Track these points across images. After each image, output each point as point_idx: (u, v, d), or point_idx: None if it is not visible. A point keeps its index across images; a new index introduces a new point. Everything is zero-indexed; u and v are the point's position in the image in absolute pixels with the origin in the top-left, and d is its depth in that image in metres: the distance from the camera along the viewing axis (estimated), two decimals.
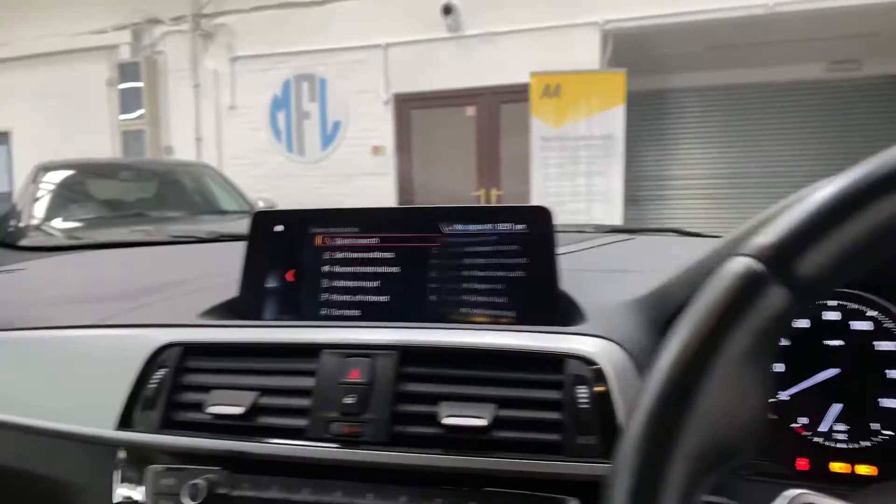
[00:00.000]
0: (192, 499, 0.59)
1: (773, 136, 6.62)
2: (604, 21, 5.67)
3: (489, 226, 0.69)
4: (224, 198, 4.73)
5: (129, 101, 6.84)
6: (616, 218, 5.45)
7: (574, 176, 5.59)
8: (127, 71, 6.80)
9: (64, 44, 6.92)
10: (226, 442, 0.60)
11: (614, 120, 5.50)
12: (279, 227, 0.75)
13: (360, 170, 6.41)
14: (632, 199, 6.13)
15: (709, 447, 0.31)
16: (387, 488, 0.57)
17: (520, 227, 0.68)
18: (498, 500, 0.55)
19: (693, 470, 0.31)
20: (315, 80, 6.50)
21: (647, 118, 6.75)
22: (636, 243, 0.93)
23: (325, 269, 0.72)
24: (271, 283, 0.73)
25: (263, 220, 0.76)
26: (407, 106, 6.34)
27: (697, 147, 6.95)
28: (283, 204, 5.01)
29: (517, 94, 5.74)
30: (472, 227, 0.70)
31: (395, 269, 0.71)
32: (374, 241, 0.72)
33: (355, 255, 0.72)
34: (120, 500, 0.64)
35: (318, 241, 0.74)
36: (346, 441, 0.58)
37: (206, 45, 6.71)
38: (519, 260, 0.67)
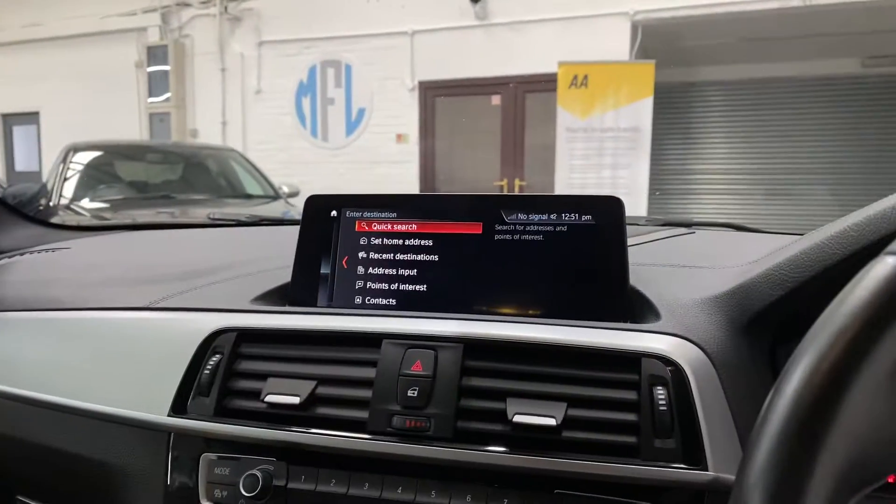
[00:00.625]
0: (248, 490, 0.57)
1: (803, 133, 6.48)
2: (634, 11, 5.58)
3: (554, 215, 0.66)
4: (249, 182, 4.74)
5: (156, 83, 6.88)
6: (641, 212, 5.38)
7: (600, 168, 5.53)
8: (155, 53, 6.84)
9: (94, 26, 6.97)
10: (283, 432, 0.59)
11: (642, 112, 5.42)
12: (334, 213, 0.73)
13: (383, 157, 6.39)
14: (656, 192, 6.05)
15: (856, 464, 0.28)
16: (452, 486, 0.55)
17: (587, 217, 0.66)
18: None
19: (838, 488, 0.28)
20: (341, 67, 6.48)
21: (674, 111, 6.65)
22: (697, 238, 0.90)
23: (382, 256, 0.70)
24: (325, 270, 0.71)
25: (317, 204, 0.74)
26: (432, 94, 6.30)
27: (724, 141, 6.84)
28: (306, 190, 5.01)
29: (543, 83, 5.68)
30: (536, 217, 0.67)
31: (454, 259, 0.68)
32: (432, 228, 0.70)
33: (412, 242, 0.70)
34: (172, 486, 0.63)
35: (374, 227, 0.71)
36: (409, 436, 0.56)
37: (234, 29, 6.72)
38: (587, 252, 0.64)
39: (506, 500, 0.54)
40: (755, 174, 6.69)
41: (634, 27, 5.66)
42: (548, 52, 5.58)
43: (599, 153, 5.50)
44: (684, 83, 6.65)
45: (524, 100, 6.09)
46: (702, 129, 6.89)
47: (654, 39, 5.73)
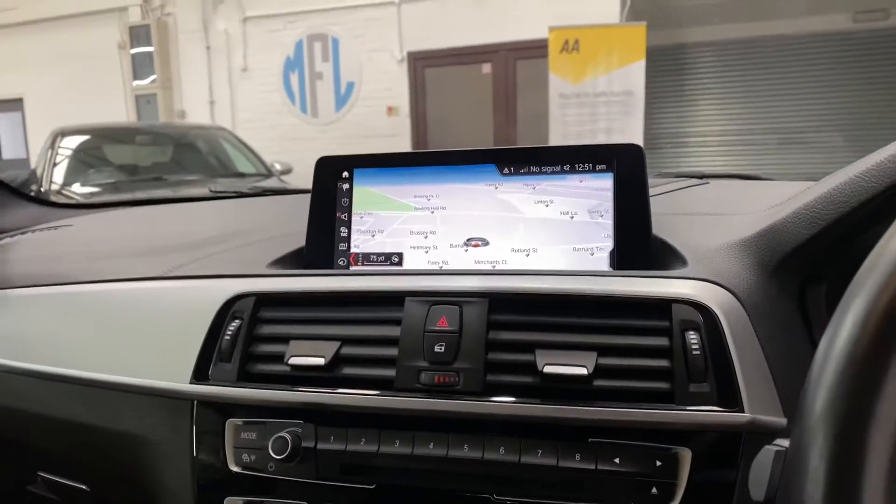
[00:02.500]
0: (278, 453, 0.57)
1: (796, 91, 6.45)
2: None
3: (572, 166, 0.65)
4: (241, 160, 4.69)
5: (141, 64, 6.76)
6: None
7: (594, 133, 5.49)
8: (138, 34, 6.71)
9: (73, 6, 6.82)
10: (309, 394, 0.58)
11: (634, 75, 5.37)
12: (345, 174, 0.72)
13: (374, 131, 6.33)
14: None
15: None
16: (484, 439, 0.54)
17: (606, 167, 0.64)
18: (606, 452, 0.52)
19: None
20: (328, 40, 6.39)
21: (666, 74, 6.59)
22: (712, 188, 0.89)
23: (394, 215, 0.69)
24: (340, 231, 0.70)
25: (328, 166, 0.72)
26: (421, 64, 6.22)
27: (716, 102, 6.79)
28: (298, 167, 4.97)
29: (534, 49, 5.61)
30: (555, 167, 0.66)
31: (469, 215, 0.67)
32: (443, 185, 0.69)
33: (427, 199, 0.69)
34: (199, 454, 0.62)
35: (388, 185, 0.70)
36: (438, 391, 0.55)
37: (217, 5, 6.59)
38: (608, 202, 0.63)
39: (539, 451, 0.53)
40: (748, 134, 6.66)
41: None
42: (538, 18, 5.51)
43: (593, 118, 5.46)
44: (675, 45, 6.59)
45: (515, 67, 6.02)
46: (694, 90, 6.84)
47: (644, 1, 5.65)
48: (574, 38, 5.38)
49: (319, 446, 0.58)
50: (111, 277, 0.72)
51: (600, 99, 5.45)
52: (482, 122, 6.16)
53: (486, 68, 6.12)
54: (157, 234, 0.89)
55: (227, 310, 0.63)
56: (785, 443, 0.37)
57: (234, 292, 0.64)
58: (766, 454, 0.37)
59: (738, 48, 6.57)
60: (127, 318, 0.68)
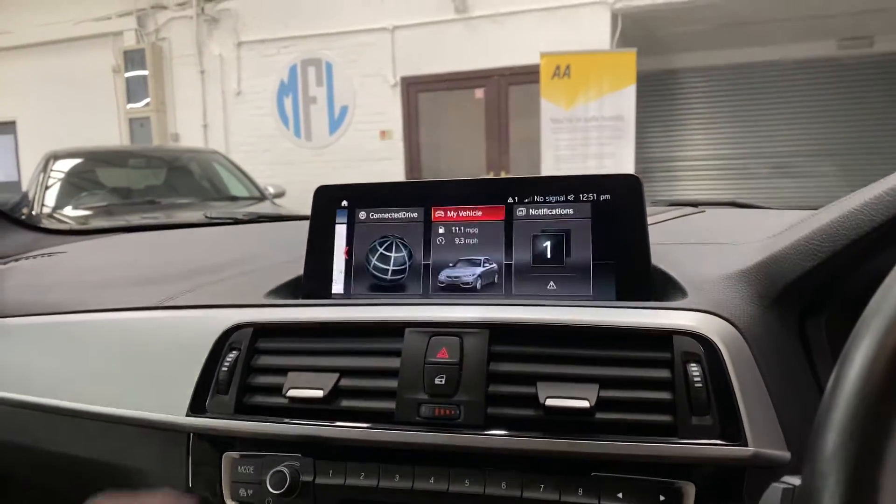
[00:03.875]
0: (276, 487, 0.56)
1: (783, 116, 6.54)
2: (614, 0, 5.59)
3: (572, 196, 0.65)
4: (234, 184, 4.69)
5: (135, 88, 6.79)
6: None
7: (585, 158, 5.53)
8: (132, 58, 6.74)
9: (68, 31, 6.86)
10: (307, 427, 0.57)
11: (625, 100, 5.43)
12: (344, 203, 0.71)
13: (368, 155, 6.35)
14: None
15: None
16: (485, 474, 0.54)
17: (605, 196, 0.65)
18: (608, 486, 0.51)
19: None
20: (322, 65, 6.44)
21: (655, 99, 6.68)
22: (708, 216, 0.89)
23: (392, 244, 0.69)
24: (339, 261, 0.70)
25: (327, 195, 0.72)
26: (415, 89, 6.27)
27: (706, 127, 6.88)
28: (292, 190, 4.98)
29: (526, 75, 5.68)
30: (554, 198, 0.66)
31: (469, 244, 0.67)
32: (442, 215, 0.69)
33: (429, 230, 0.69)
34: (195, 487, 0.61)
35: (388, 216, 0.70)
36: (439, 424, 0.54)
37: (212, 30, 6.64)
38: (607, 232, 0.63)
39: (542, 486, 0.52)
40: (737, 159, 6.74)
41: (614, 16, 5.67)
42: (529, 44, 5.57)
43: (584, 143, 5.51)
44: (665, 71, 6.68)
45: (508, 92, 6.08)
46: (684, 115, 6.93)
47: (634, 28, 5.74)
48: (565, 63, 5.44)
49: (318, 481, 0.57)
50: (105, 307, 0.71)
51: (591, 124, 5.50)
52: (475, 146, 6.20)
53: (479, 93, 6.17)
54: (153, 263, 0.89)
55: (225, 340, 0.63)
56: (793, 480, 0.37)
57: (232, 323, 0.63)
58: (774, 492, 0.37)
59: (727, 74, 6.67)
60: (121, 348, 0.67)
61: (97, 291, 0.77)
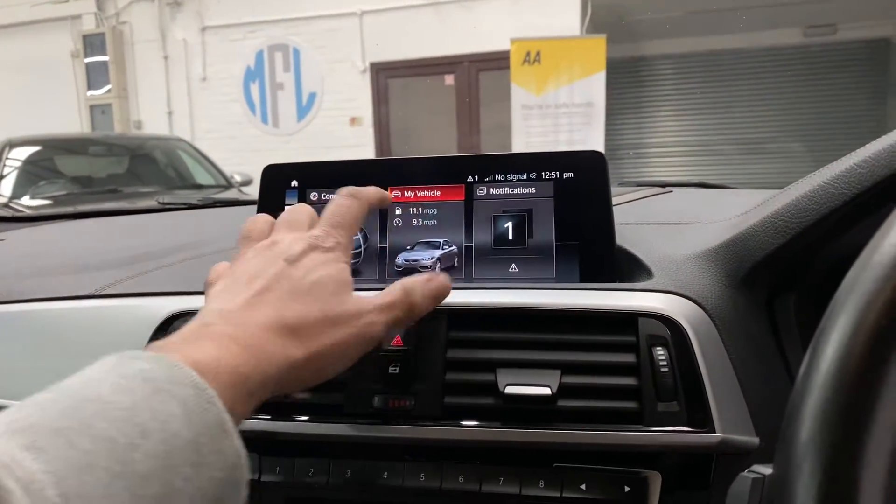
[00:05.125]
0: None
1: (750, 103, 6.61)
2: None
3: (534, 174, 0.62)
4: (199, 172, 4.59)
5: (95, 74, 6.59)
6: None
7: (556, 144, 5.54)
8: (92, 42, 6.54)
9: (24, 14, 6.62)
10: (250, 421, 0.53)
11: (595, 87, 5.44)
12: (294, 182, 0.67)
13: (337, 141, 6.28)
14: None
15: None
16: (441, 467, 0.51)
17: (568, 174, 0.62)
18: (571, 477, 0.49)
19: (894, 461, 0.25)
20: (289, 50, 6.32)
21: (625, 86, 6.70)
22: (675, 197, 0.87)
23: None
24: None
25: (275, 174, 0.68)
26: (384, 75, 6.20)
27: (675, 114, 6.93)
28: (259, 178, 4.88)
29: (496, 61, 5.65)
30: (516, 176, 0.63)
31: (428, 226, 0.64)
32: (399, 195, 0.65)
33: (380, 212, 0.65)
34: None
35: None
36: (392, 416, 0.51)
37: (175, 14, 6.47)
38: (571, 212, 0.60)
39: (501, 479, 0.50)
40: (706, 144, 6.81)
41: (584, 2, 5.66)
42: (499, 30, 5.54)
43: (555, 129, 5.51)
44: (634, 58, 6.70)
45: (478, 78, 6.05)
46: (653, 102, 6.96)
47: (604, 14, 5.74)
48: (536, 49, 5.42)
49: (263, 478, 0.53)
50: (37, 297, 0.66)
51: (562, 110, 5.50)
52: (446, 132, 6.16)
53: (449, 79, 6.13)
54: (96, 250, 0.83)
55: (164, 331, 0.58)
56: (763, 469, 0.35)
57: (171, 311, 0.59)
58: (743, 482, 0.35)
59: (696, 61, 6.72)
60: (54, 340, 0.63)
61: (31, 280, 0.72)
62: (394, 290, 0.46)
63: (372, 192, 0.52)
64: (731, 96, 6.65)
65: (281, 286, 0.41)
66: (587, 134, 5.48)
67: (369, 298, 0.44)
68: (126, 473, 0.27)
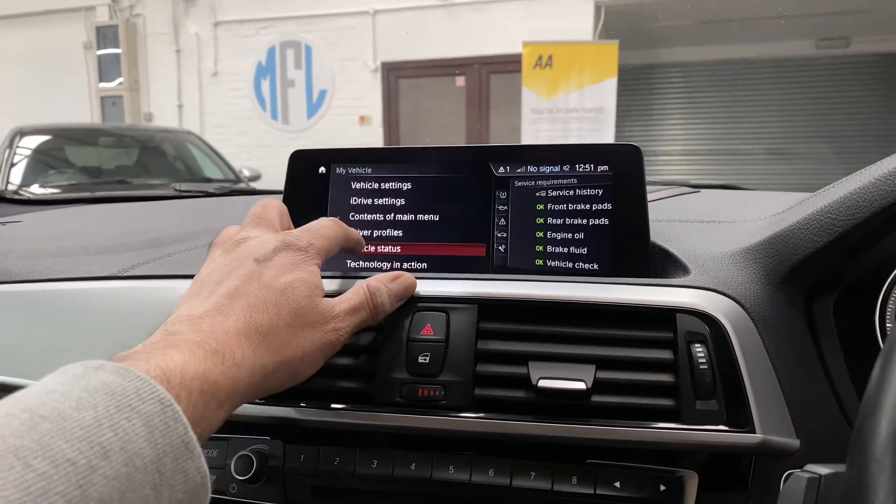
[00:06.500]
0: (241, 473, 0.51)
1: (760, 113, 6.60)
2: None
3: (568, 167, 0.61)
4: (208, 165, 4.58)
5: (107, 65, 6.60)
6: None
7: None
8: (105, 34, 6.56)
9: (37, 4, 6.63)
10: (276, 408, 0.52)
11: (606, 92, 5.42)
12: (322, 169, 0.66)
13: (346, 140, 6.27)
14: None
15: None
16: (472, 459, 0.49)
17: (603, 168, 0.60)
18: (605, 474, 0.47)
19: None
20: (301, 48, 6.32)
21: (635, 93, 6.69)
22: (703, 196, 0.86)
23: (378, 216, 0.64)
24: None
25: (303, 160, 0.67)
26: (395, 75, 6.19)
27: (684, 122, 6.92)
28: (267, 174, 4.88)
29: (507, 64, 5.64)
30: (548, 169, 0.61)
31: (456, 216, 0.63)
32: (429, 185, 0.64)
33: (413, 199, 0.64)
34: None
35: (369, 183, 0.65)
36: (421, 406, 0.50)
37: (188, 8, 6.48)
38: (604, 205, 0.59)
39: (533, 474, 0.48)
40: (714, 154, 6.79)
41: (598, 8, 5.66)
42: (511, 33, 5.53)
43: (564, 134, 5.49)
44: (645, 65, 6.69)
45: (489, 81, 6.04)
46: (663, 110, 6.95)
47: (616, 20, 5.73)
48: (547, 53, 5.41)
49: (288, 466, 0.52)
50: (59, 276, 0.65)
51: (572, 115, 5.48)
52: (455, 134, 6.15)
53: (460, 81, 6.12)
54: (114, 233, 0.83)
55: None
56: (818, 469, 0.34)
57: None
58: (798, 482, 0.33)
59: (706, 70, 6.70)
60: (75, 320, 0.62)
61: (51, 260, 0.71)
62: (359, 292, 0.46)
63: (352, 231, 0.52)
64: (743, 106, 6.63)
65: (250, 289, 0.40)
66: (597, 140, 5.44)
67: (336, 301, 0.44)
68: (83, 498, 0.25)
